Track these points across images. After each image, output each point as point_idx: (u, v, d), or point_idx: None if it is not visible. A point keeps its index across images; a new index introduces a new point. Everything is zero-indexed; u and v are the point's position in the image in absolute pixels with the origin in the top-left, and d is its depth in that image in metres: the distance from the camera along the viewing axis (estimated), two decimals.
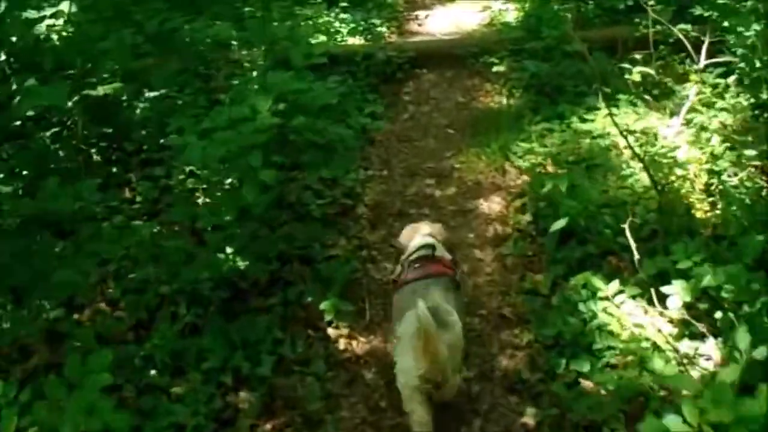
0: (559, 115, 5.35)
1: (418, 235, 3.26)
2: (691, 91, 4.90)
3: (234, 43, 5.78)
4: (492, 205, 4.53)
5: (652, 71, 5.19)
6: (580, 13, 7.29)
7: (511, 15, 7.40)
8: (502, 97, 5.88)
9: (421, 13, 8.14)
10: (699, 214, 4.19)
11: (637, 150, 4.14)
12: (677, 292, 3.30)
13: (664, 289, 3.32)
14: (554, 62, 5.96)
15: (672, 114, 5.44)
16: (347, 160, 3.58)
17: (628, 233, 3.34)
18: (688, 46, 5.34)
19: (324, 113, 3.66)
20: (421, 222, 3.53)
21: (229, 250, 3.10)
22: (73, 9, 3.85)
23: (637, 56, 6.52)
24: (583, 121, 5.28)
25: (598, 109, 5.39)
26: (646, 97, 5.44)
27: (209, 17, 6.00)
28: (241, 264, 3.09)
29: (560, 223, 3.49)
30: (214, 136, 2.95)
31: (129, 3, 3.79)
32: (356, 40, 6.89)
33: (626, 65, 5.26)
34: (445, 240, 3.37)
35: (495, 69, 5.91)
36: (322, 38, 6.63)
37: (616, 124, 4.21)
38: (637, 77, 5.05)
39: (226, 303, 3.58)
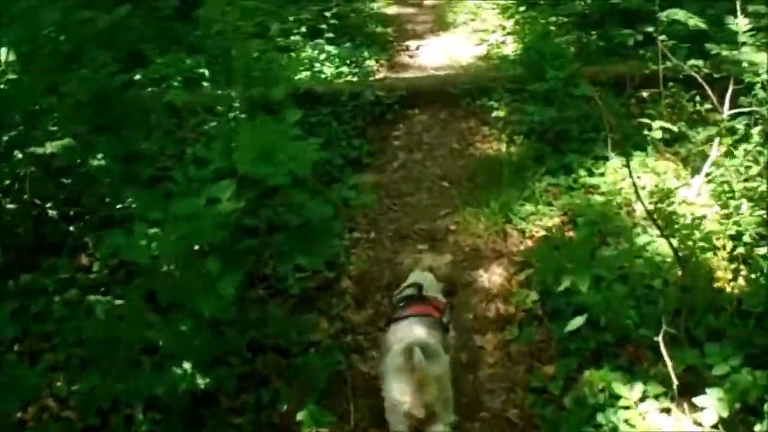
0: (565, 166, 4.93)
1: (417, 269, 3.25)
2: (713, 146, 4.47)
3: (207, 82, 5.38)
4: (493, 277, 4.09)
5: (674, 128, 4.79)
6: (583, 44, 6.94)
7: (509, 48, 7.01)
8: (501, 144, 5.46)
9: (413, 44, 7.75)
10: (721, 283, 3.79)
11: (659, 222, 3.73)
12: (712, 405, 2.86)
13: (698, 400, 2.89)
14: (558, 103, 5.55)
15: (685, 162, 5.07)
16: (328, 245, 3.12)
17: (662, 346, 2.90)
18: (709, 91, 4.97)
19: (302, 183, 3.20)
20: (425, 254, 3.54)
21: (186, 365, 2.63)
22: (11, 57, 3.38)
23: (645, 93, 6.20)
24: (591, 173, 4.87)
25: (607, 158, 4.99)
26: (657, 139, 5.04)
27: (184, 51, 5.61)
28: (201, 381, 2.62)
29: (578, 322, 3.05)
30: (165, 227, 2.49)
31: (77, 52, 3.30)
32: (343, 75, 6.45)
33: (645, 120, 4.86)
34: (446, 276, 3.33)
35: (494, 114, 5.47)
36: (305, 74, 6.22)
37: (635, 186, 3.78)
38: (657, 134, 4.65)
39: (189, 407, 3.10)
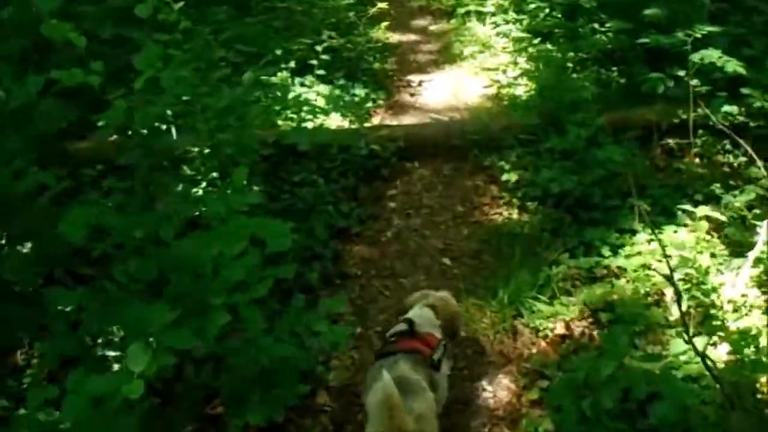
0: (586, 244, 4.33)
1: (417, 305, 3.24)
2: (760, 233, 3.87)
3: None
4: (499, 391, 3.50)
5: (723, 217, 4.21)
6: (604, 84, 6.36)
7: (522, 87, 6.42)
8: (512, 209, 4.87)
9: (415, 80, 7.15)
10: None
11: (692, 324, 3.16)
12: None
13: None
14: (577, 163, 4.96)
15: (719, 230, 4.50)
16: (292, 393, 2.53)
17: None
18: (743, 143, 4.47)
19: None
20: (434, 292, 3.44)
21: None
22: None
23: (672, 142, 5.66)
24: (616, 252, 4.28)
25: (634, 232, 4.39)
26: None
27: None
28: None
29: None
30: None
31: None
32: (334, 119, 5.87)
33: (688, 207, 4.30)
34: (450, 314, 3.28)
35: (505, 177, 4.88)
36: (291, 119, 5.64)
37: (674, 286, 3.20)
38: (704, 226, 4.09)
39: None
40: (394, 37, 8.42)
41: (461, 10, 8.52)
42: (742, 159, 5.29)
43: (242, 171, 2.94)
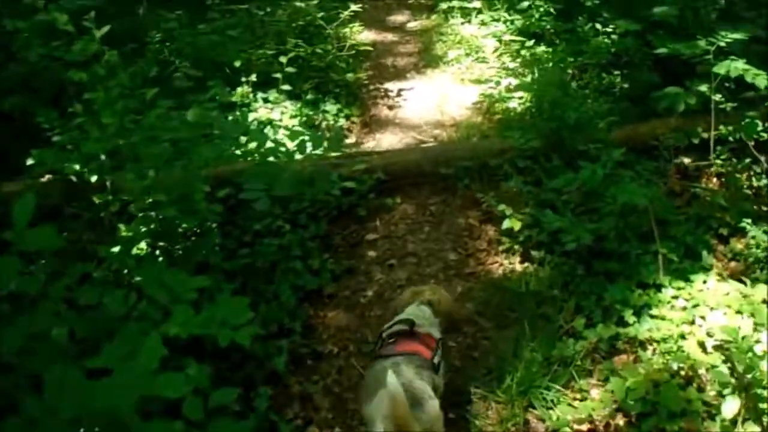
0: (605, 308, 3.72)
1: (414, 303, 3.15)
2: None
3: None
4: None
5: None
6: (605, 90, 5.77)
7: (516, 101, 5.76)
8: (513, 258, 4.24)
9: (393, 88, 6.47)
10: None
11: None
12: None
13: None
14: (590, 196, 4.35)
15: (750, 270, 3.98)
16: None
17: None
18: None
19: None
20: (426, 285, 3.43)
21: None
22: None
23: (687, 160, 5.11)
24: (639, 315, 3.67)
25: (659, 287, 3.80)
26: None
27: None
28: None
29: None
30: None
31: None
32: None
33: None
34: (446, 312, 3.20)
35: (506, 225, 4.23)
36: (251, 144, 4.92)
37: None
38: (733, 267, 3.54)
39: None
40: (369, 37, 7.74)
41: (443, 5, 7.86)
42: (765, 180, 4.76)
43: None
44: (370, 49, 7.05)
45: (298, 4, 6.39)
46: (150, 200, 3.36)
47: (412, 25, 8.04)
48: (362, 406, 2.73)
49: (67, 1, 5.71)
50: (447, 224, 4.63)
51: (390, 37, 7.77)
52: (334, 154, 4.90)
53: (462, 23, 7.49)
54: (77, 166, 3.53)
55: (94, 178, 3.66)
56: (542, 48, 6.44)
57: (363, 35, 7.78)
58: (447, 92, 6.35)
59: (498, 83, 5.77)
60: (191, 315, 2.92)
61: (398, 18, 8.34)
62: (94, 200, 3.57)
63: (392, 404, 2.37)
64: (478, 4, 7.41)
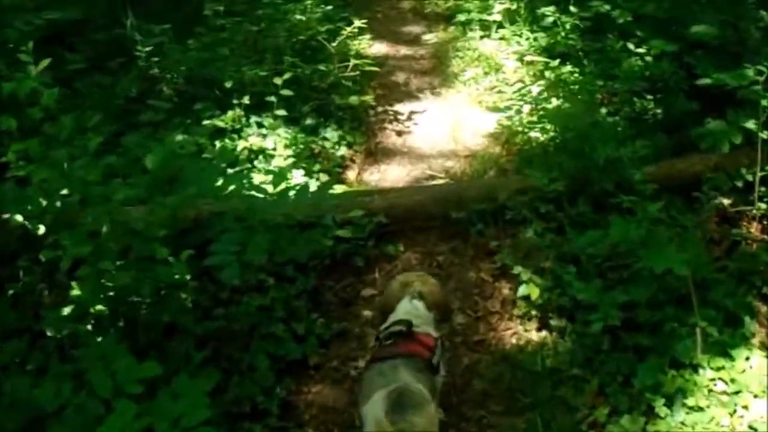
0: (633, 396, 3.22)
1: (405, 298, 3.09)
2: None
3: None
4: None
5: None
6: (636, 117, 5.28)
7: (539, 129, 5.24)
8: (529, 326, 3.75)
9: (403, 111, 5.98)
10: None
11: None
12: None
13: None
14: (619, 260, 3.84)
15: None
16: None
17: None
18: None
19: None
20: (413, 273, 3.41)
21: None
22: None
23: (727, 201, 4.62)
24: (672, 401, 3.20)
25: (695, 368, 3.31)
26: None
27: None
28: None
29: None
30: None
31: None
32: (295, 177, 4.71)
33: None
34: (437, 302, 3.16)
35: (523, 292, 3.74)
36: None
37: None
38: None
39: None
40: (381, 50, 7.25)
41: (461, 17, 7.34)
42: None
43: None
44: (377, 69, 6.58)
45: (298, 17, 5.90)
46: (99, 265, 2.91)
47: (428, 37, 7.52)
48: (359, 407, 2.79)
49: (48, 12, 5.32)
50: (456, 278, 4.15)
51: (403, 50, 7.28)
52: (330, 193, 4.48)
53: (481, 37, 6.98)
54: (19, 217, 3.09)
55: (42, 230, 3.22)
56: (568, 68, 5.91)
57: (374, 48, 7.31)
58: (462, 116, 5.85)
59: (519, 111, 5.24)
60: (132, 414, 2.50)
61: (413, 29, 7.84)
62: (40, 257, 3.12)
63: (389, 408, 2.47)
64: (498, 17, 6.88)
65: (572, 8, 5.97)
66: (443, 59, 6.97)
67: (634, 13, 5.81)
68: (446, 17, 7.90)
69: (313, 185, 4.65)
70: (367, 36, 7.32)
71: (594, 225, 4.14)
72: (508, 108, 4.99)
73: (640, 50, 5.67)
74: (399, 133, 5.69)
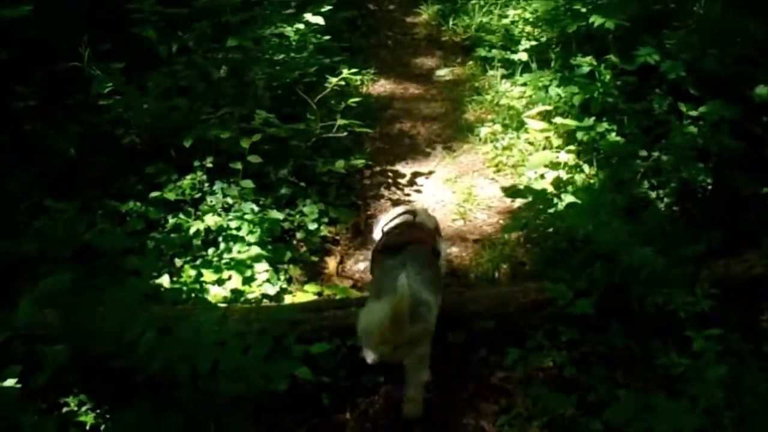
0: None
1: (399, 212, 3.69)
2: None
3: None
4: None
5: None
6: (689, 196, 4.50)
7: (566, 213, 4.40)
8: None
9: (405, 171, 5.19)
10: None
11: None
12: None
13: None
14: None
15: None
16: None
17: None
18: None
19: None
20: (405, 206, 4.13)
21: None
22: None
23: None
24: None
25: None
26: None
27: None
28: None
29: None
30: None
31: None
32: (258, 272, 3.95)
33: None
34: (433, 222, 3.71)
35: None
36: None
37: None
38: None
39: None
40: (385, 88, 6.46)
41: (481, 51, 6.53)
42: None
43: None
44: (385, 101, 5.78)
45: (278, 57, 5.07)
46: None
47: (442, 73, 6.72)
48: (369, 301, 3.16)
49: None
50: (450, 427, 3.33)
51: (412, 89, 6.47)
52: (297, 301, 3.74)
53: (502, 78, 6.17)
54: None
55: None
56: (604, 126, 5.08)
57: (378, 85, 6.53)
58: (476, 184, 5.06)
59: (545, 195, 4.37)
60: None
61: (426, 61, 7.03)
62: None
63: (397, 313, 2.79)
64: (524, 56, 6.06)
65: (613, 58, 5.12)
66: (458, 103, 6.17)
67: (688, 66, 4.97)
68: (464, 48, 7.12)
69: (276, 286, 3.91)
70: (371, 70, 6.54)
71: (630, 361, 3.34)
72: (530, 191, 4.15)
73: (693, 113, 4.85)
74: (396, 203, 4.88)
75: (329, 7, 5.52)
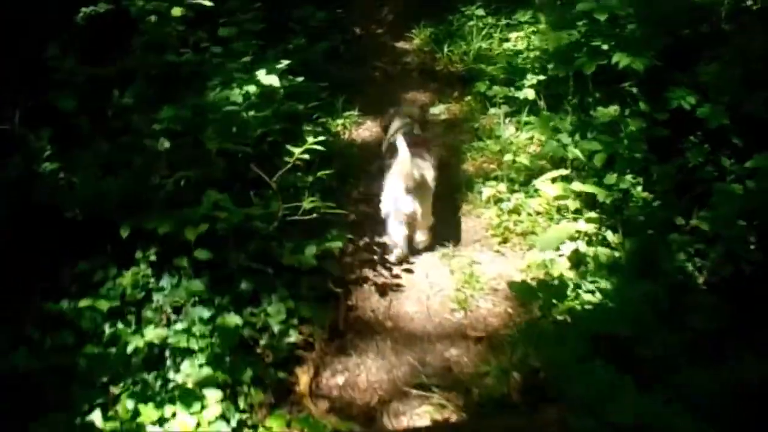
0: None
1: (397, 118, 5.00)
2: None
3: None
4: None
5: None
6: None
7: (591, 307, 3.77)
8: None
9: (383, 273, 4.47)
10: None
11: None
12: None
13: None
14: None
15: None
16: None
17: None
18: None
19: None
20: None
21: None
22: None
23: None
24: None
25: None
26: None
27: None
28: None
29: None
30: None
31: None
32: (209, 405, 3.30)
33: None
34: (420, 117, 5.12)
35: None
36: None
37: None
38: None
39: None
40: (371, 133, 5.84)
41: (481, 86, 5.88)
42: None
43: None
44: (364, 155, 5.14)
45: (244, 114, 4.36)
46: None
47: (436, 111, 6.06)
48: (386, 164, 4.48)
49: None
50: None
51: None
52: None
53: (506, 118, 5.52)
54: None
55: None
56: (628, 180, 4.43)
57: (363, 129, 5.89)
58: (478, 259, 4.40)
59: (562, 289, 3.70)
60: None
61: (418, 96, 6.37)
62: None
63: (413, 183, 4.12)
64: (531, 94, 5.40)
65: (642, 105, 4.44)
66: (455, 150, 5.51)
67: (730, 110, 4.30)
68: (462, 79, 6.48)
69: (234, 421, 3.27)
70: (355, 112, 5.90)
71: None
72: (542, 288, 3.47)
73: (734, 167, 4.20)
74: (382, 291, 4.23)
75: (285, 63, 4.76)
